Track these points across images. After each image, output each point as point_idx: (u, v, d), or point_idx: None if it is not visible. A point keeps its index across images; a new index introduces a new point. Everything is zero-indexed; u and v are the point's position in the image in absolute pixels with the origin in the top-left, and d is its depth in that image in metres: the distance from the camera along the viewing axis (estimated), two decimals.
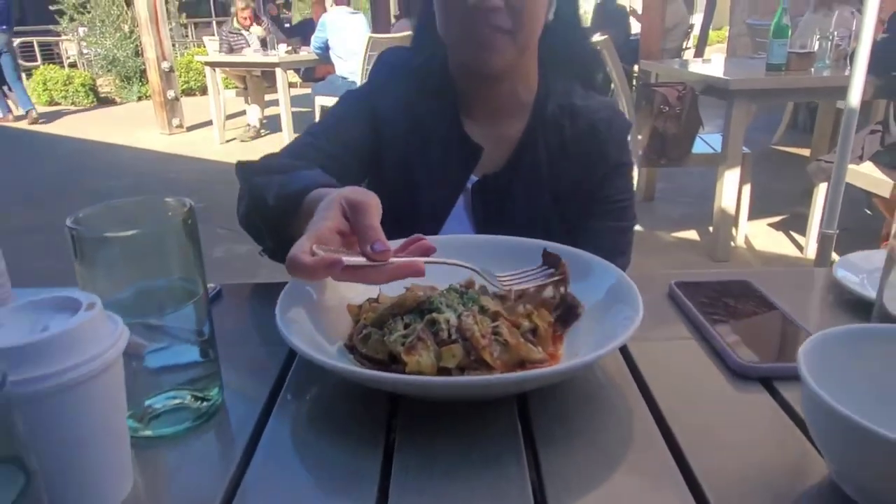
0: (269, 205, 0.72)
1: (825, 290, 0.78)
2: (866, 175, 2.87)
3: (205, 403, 0.56)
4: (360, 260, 0.56)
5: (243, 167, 0.84)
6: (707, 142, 3.54)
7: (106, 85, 10.06)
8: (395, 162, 0.98)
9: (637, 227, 3.46)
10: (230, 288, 0.83)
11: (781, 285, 0.78)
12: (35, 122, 7.94)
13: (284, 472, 0.51)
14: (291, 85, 6.31)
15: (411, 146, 0.97)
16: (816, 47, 3.20)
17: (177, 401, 0.55)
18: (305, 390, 0.60)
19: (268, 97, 6.68)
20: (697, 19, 9.28)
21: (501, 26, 0.85)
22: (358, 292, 0.67)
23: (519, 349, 0.57)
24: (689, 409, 0.57)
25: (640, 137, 3.45)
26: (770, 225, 3.75)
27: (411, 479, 0.49)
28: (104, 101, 9.80)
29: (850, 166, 2.89)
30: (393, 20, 6.89)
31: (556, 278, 0.66)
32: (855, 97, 2.17)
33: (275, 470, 0.51)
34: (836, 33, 3.32)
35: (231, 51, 6.39)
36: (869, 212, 3.45)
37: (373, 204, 0.59)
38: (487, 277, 0.65)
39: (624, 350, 0.65)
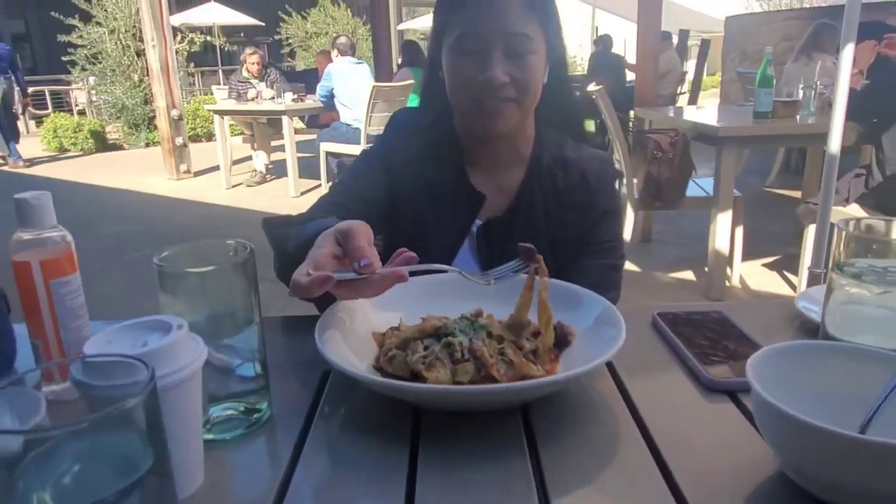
0: (290, 252, 0.83)
1: (789, 319, 0.89)
2: (852, 217, 3.00)
3: (256, 415, 0.66)
4: (350, 275, 0.66)
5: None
6: (700, 185, 3.67)
7: (114, 132, 10.33)
8: (408, 210, 1.09)
9: (634, 268, 3.55)
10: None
11: (752, 315, 0.88)
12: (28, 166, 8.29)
13: (327, 469, 0.61)
14: (296, 131, 6.52)
15: (422, 195, 1.09)
16: (801, 96, 3.36)
17: (230, 412, 0.65)
18: (340, 404, 0.70)
19: (273, 143, 6.89)
20: (692, 65, 9.58)
21: (508, 97, 0.98)
22: (382, 322, 0.78)
23: (521, 367, 0.67)
24: (667, 417, 0.67)
25: (635, 181, 3.59)
26: (764, 265, 3.86)
27: (434, 472, 0.59)
28: (112, 148, 10.04)
29: (838, 208, 3.03)
30: (395, 69, 7.13)
31: (533, 267, 0.76)
32: (834, 144, 2.30)
33: (319, 468, 0.61)
34: (819, 82, 3.49)
35: (239, 97, 6.63)
36: None
37: (360, 229, 0.69)
38: (467, 275, 0.75)
39: (612, 369, 0.76)
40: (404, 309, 0.80)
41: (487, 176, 1.09)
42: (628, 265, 3.81)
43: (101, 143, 9.91)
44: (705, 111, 4.38)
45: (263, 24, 14.24)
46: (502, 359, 0.68)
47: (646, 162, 3.48)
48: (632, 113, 5.09)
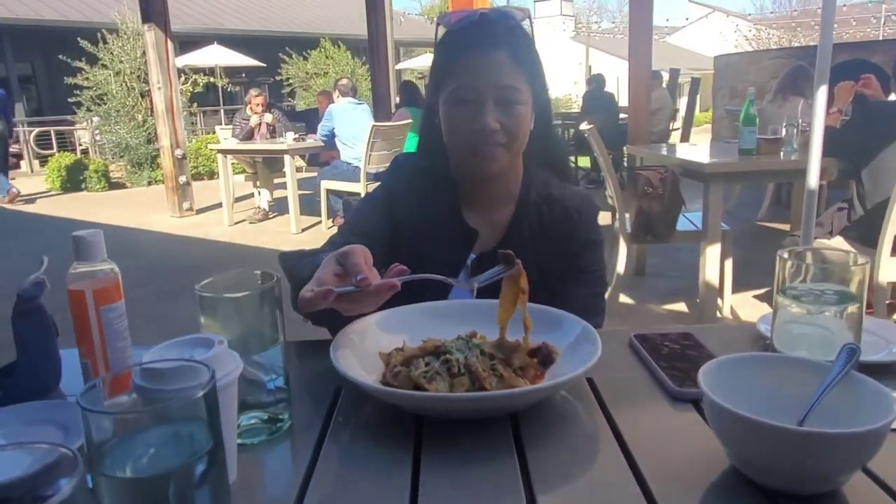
0: (303, 277, 0.93)
1: (751, 339, 0.98)
2: (837, 249, 3.11)
3: (278, 424, 0.75)
4: (349, 288, 0.76)
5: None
6: (690, 220, 3.79)
7: (117, 171, 10.52)
8: (408, 245, 1.20)
9: (629, 301, 3.63)
10: None
11: (718, 337, 0.99)
12: (14, 200, 8.44)
13: (342, 470, 0.70)
14: (297, 169, 6.69)
15: (421, 231, 1.20)
16: (784, 133, 3.51)
17: (254, 420, 0.74)
18: (352, 415, 0.80)
19: (275, 180, 7.04)
20: (685, 102, 9.84)
21: (499, 142, 1.09)
22: (388, 343, 0.88)
23: (510, 380, 0.77)
24: (638, 424, 0.76)
25: (627, 216, 3.72)
26: (755, 296, 3.96)
27: (434, 472, 0.68)
28: (115, 186, 10.21)
29: (822, 240, 3.14)
30: (394, 109, 7.34)
31: (512, 271, 0.86)
32: (812, 180, 2.43)
33: (335, 469, 0.70)
34: (801, 120, 3.64)
35: (242, 131, 6.84)
36: None
37: (358, 250, 0.81)
38: (454, 281, 0.87)
39: (592, 385, 0.85)
40: (408, 332, 0.90)
41: (480, 213, 1.20)
42: (623, 298, 3.93)
43: (105, 182, 10.08)
44: (697, 148, 4.52)
45: (265, 65, 14.59)
46: (493, 373, 0.78)
47: (637, 197, 3.61)
48: (625, 149, 5.25)
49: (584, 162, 8.86)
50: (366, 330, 0.90)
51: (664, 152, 4.20)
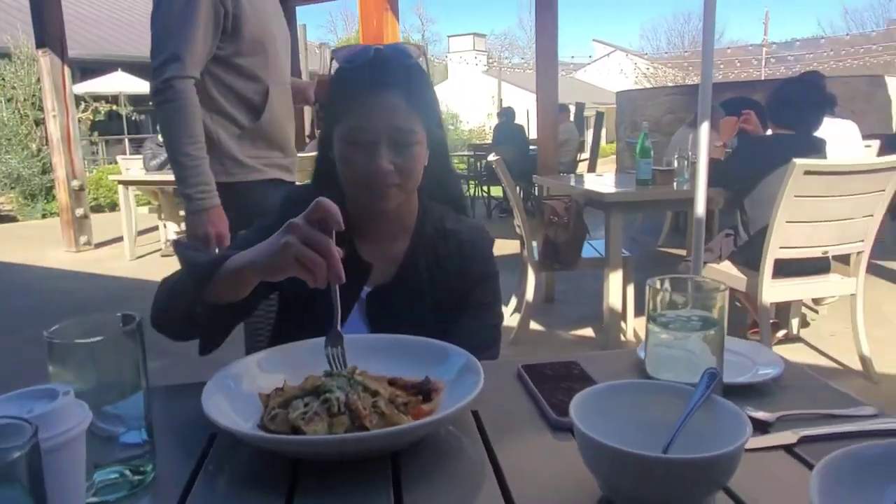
0: (202, 262, 0.93)
1: (633, 365, 1.01)
2: (726, 272, 3.30)
3: (138, 477, 0.70)
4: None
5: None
6: (594, 247, 3.93)
7: (7, 203, 9.84)
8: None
9: (539, 328, 3.70)
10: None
11: (604, 365, 1.01)
12: None
13: None
14: None
15: None
16: (676, 165, 3.72)
17: (114, 476, 0.69)
18: (224, 462, 0.75)
19: (181, 212, 6.77)
20: (591, 134, 10.29)
21: (393, 182, 1.09)
22: (268, 383, 0.85)
23: (392, 417, 0.76)
24: (519, 455, 0.76)
25: (535, 244, 3.81)
26: None
27: None
28: (4, 219, 9.54)
29: (712, 265, 3.32)
30: (307, 141, 7.26)
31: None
32: (699, 209, 2.58)
33: None
34: (691, 153, 3.87)
35: (154, 158, 6.55)
36: (739, 304, 3.89)
37: None
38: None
39: (476, 417, 0.85)
40: (289, 370, 0.87)
41: (375, 246, 1.19)
42: (534, 325, 4.00)
43: None
44: (602, 178, 4.71)
45: None
46: (375, 410, 0.76)
47: (543, 226, 3.71)
48: (535, 179, 5.40)
49: (497, 191, 9.06)
50: (243, 373, 0.87)
51: (572, 183, 4.34)
